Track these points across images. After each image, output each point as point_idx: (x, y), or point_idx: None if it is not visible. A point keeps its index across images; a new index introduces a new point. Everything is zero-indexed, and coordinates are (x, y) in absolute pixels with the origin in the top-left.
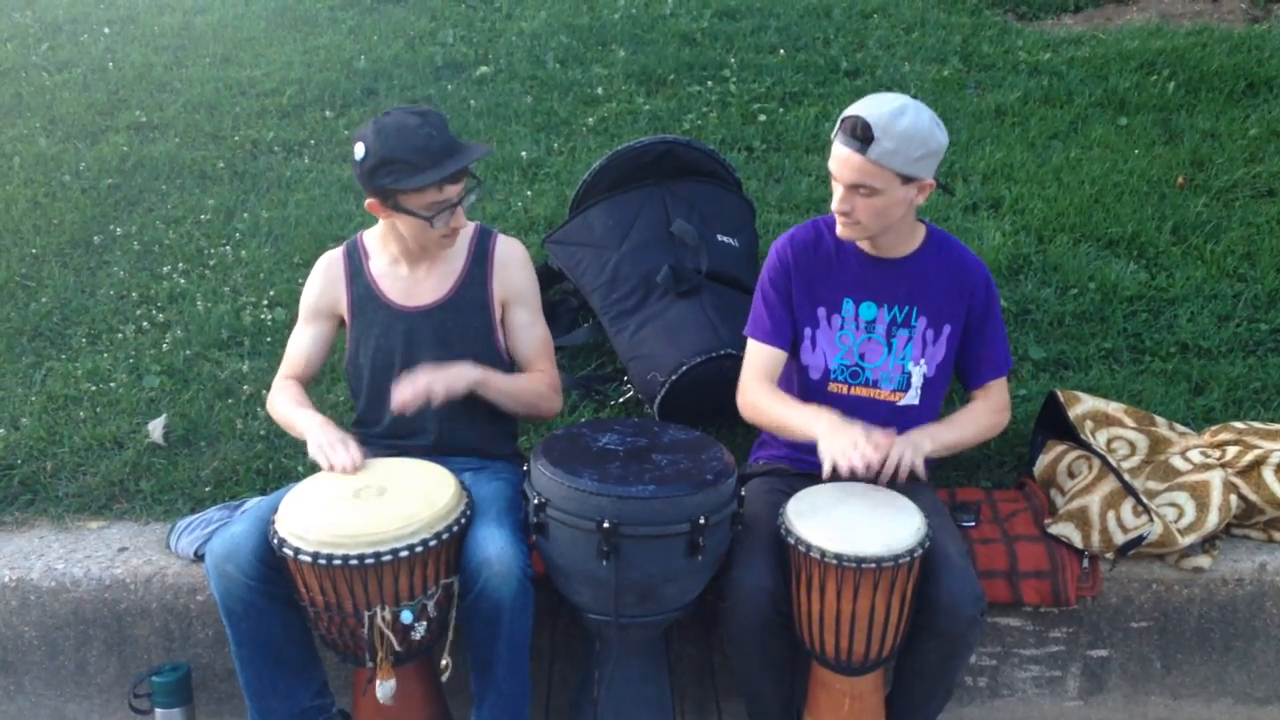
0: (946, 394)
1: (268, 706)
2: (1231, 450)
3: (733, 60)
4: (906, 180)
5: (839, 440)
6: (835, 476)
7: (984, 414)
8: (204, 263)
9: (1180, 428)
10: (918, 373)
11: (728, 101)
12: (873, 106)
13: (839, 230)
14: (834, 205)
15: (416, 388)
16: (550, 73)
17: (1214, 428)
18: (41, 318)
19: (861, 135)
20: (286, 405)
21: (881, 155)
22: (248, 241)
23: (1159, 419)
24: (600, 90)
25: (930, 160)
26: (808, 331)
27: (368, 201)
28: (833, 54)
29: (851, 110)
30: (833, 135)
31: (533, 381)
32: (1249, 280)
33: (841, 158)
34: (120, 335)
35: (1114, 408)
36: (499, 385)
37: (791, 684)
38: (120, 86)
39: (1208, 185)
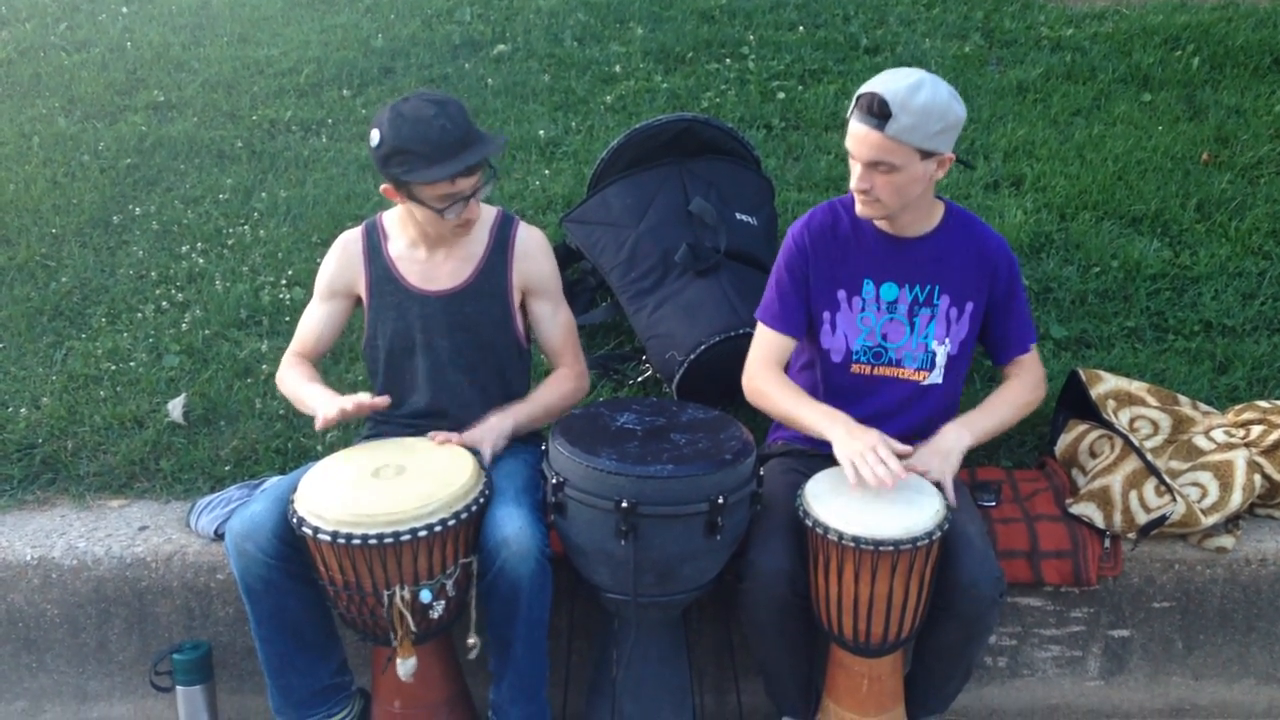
0: (969, 370)
1: (288, 684)
2: (1256, 429)
3: (751, 37)
4: (925, 155)
5: (856, 444)
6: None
7: (1020, 393)
8: (222, 242)
9: (1204, 407)
10: (942, 351)
11: (746, 79)
12: (889, 82)
13: (858, 209)
14: (852, 184)
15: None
16: (568, 51)
17: (1238, 407)
18: (61, 297)
19: (879, 112)
20: (296, 381)
21: (900, 131)
22: (266, 221)
23: (1182, 398)
24: (618, 68)
25: (949, 134)
26: (826, 315)
27: (383, 186)
28: (852, 30)
29: (867, 87)
30: (848, 113)
31: (556, 389)
32: (1274, 258)
33: (859, 135)
34: (140, 315)
35: (1137, 387)
36: (529, 416)
37: (810, 664)
38: (138, 66)
39: (1232, 162)
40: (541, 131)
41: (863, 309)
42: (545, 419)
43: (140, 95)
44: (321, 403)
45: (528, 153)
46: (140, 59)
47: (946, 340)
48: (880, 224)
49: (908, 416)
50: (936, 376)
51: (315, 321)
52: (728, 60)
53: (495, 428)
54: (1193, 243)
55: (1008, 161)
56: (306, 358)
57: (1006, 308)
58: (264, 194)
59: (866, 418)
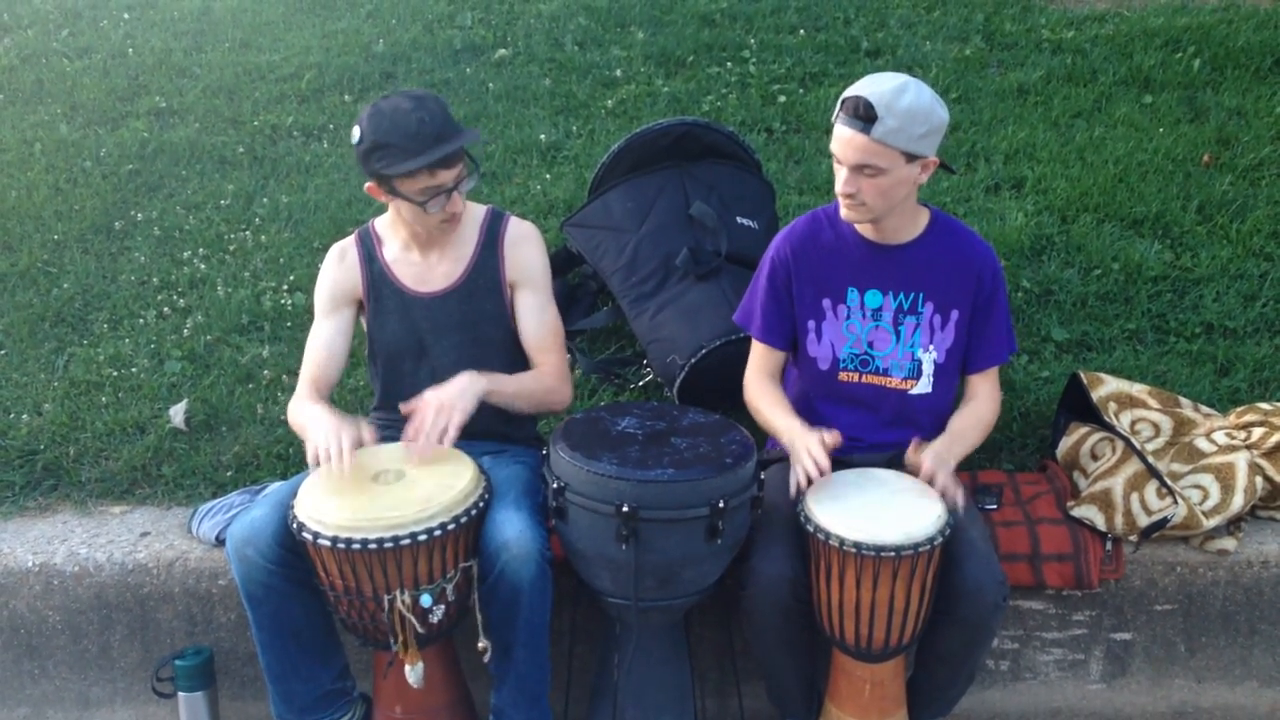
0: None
1: (289, 690)
2: (1257, 431)
3: (752, 41)
4: (911, 158)
5: (796, 450)
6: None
7: (984, 415)
8: (224, 248)
9: (1205, 409)
10: (928, 360)
11: (747, 83)
12: (873, 85)
13: (843, 213)
14: (838, 188)
15: (437, 420)
16: (569, 55)
17: (1239, 409)
18: (63, 303)
19: (864, 115)
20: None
21: (885, 134)
22: (267, 226)
23: (1184, 400)
24: (619, 72)
25: (933, 137)
26: (810, 325)
27: (366, 185)
28: (853, 33)
29: (852, 91)
30: (833, 117)
31: (540, 378)
32: (1275, 260)
33: (845, 139)
34: (141, 321)
35: (1138, 389)
36: (506, 389)
37: (813, 669)
38: (140, 72)
39: (1234, 163)
40: (542, 136)
41: (848, 317)
42: (518, 402)
43: (142, 101)
44: (316, 431)
45: (529, 157)
46: (142, 65)
47: (932, 348)
48: (864, 231)
49: (898, 428)
50: (925, 386)
51: (325, 337)
52: (729, 64)
53: (465, 389)
54: (1194, 245)
55: (1008, 164)
56: (320, 388)
57: (986, 313)
58: (265, 199)
59: (857, 427)
